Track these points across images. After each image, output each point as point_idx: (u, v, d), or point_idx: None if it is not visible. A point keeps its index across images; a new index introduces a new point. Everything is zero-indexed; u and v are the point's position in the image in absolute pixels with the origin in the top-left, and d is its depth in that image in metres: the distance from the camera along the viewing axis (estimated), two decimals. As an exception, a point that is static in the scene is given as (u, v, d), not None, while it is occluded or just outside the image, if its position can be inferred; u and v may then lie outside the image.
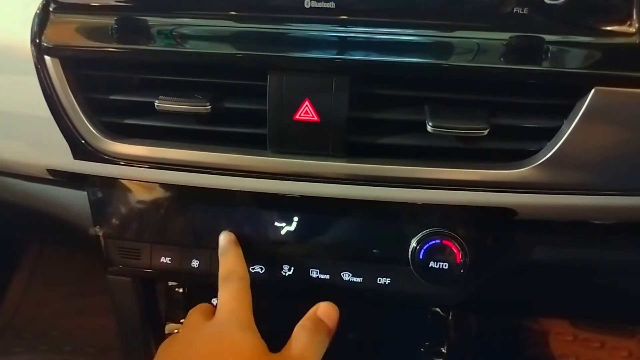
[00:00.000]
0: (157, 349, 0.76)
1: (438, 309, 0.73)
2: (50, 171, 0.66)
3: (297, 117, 0.56)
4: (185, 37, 0.56)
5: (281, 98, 0.55)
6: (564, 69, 0.52)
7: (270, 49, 0.55)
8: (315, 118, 0.56)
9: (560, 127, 0.54)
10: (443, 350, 0.73)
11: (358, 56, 0.53)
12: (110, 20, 0.56)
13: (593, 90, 0.51)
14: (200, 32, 0.56)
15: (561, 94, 0.53)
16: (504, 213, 0.60)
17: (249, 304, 0.56)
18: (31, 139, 0.64)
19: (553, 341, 1.10)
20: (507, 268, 0.66)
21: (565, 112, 0.54)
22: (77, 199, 0.69)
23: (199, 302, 0.76)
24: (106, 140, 0.60)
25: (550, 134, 0.55)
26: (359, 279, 0.64)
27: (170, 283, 0.76)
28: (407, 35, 0.53)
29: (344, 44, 0.54)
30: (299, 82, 0.55)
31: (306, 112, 0.56)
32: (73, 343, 1.18)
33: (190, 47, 0.56)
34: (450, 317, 0.73)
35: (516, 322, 1.11)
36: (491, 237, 0.63)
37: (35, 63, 0.58)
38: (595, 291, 0.74)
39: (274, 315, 0.78)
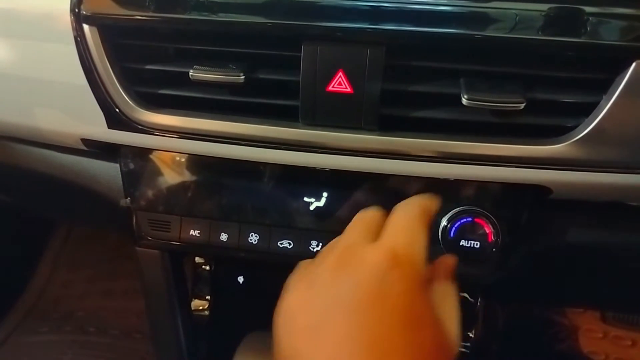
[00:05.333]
0: (183, 324, 0.76)
1: (466, 294, 0.72)
2: (84, 141, 0.66)
3: (330, 88, 0.56)
4: (221, 7, 0.56)
5: (315, 69, 0.55)
6: (603, 42, 0.51)
7: (305, 18, 0.54)
8: (349, 89, 0.55)
9: (598, 102, 0.53)
10: (470, 335, 0.72)
11: (393, 26, 0.53)
12: (148, -11, 0.56)
13: (634, 64, 0.50)
14: (235, 1, 0.56)
15: (600, 68, 0.52)
16: (539, 191, 0.59)
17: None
18: (67, 107, 0.65)
19: (583, 337, 1.08)
20: (540, 249, 0.65)
21: (605, 86, 0.52)
22: (109, 171, 0.70)
23: (224, 280, 0.77)
24: (140, 110, 0.61)
25: (588, 109, 0.53)
26: (387, 257, 0.63)
27: (196, 260, 0.76)
28: (443, 6, 0.53)
29: (380, 14, 0.54)
30: (333, 52, 0.54)
31: (339, 83, 0.55)
32: (97, 324, 1.19)
33: (225, 16, 0.56)
34: (478, 303, 0.72)
35: (545, 317, 1.09)
36: (525, 217, 0.61)
37: (73, 32, 0.59)
38: (631, 279, 0.72)
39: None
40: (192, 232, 0.66)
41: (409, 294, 0.40)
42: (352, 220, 0.48)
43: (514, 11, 0.52)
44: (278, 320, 0.43)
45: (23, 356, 1.15)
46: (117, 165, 0.69)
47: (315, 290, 0.42)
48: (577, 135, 0.54)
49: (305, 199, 0.64)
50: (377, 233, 0.45)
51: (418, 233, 0.44)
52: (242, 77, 0.56)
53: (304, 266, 0.48)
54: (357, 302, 0.39)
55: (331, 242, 0.48)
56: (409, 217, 0.46)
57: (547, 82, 0.54)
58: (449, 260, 0.51)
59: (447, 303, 0.45)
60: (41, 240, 1.34)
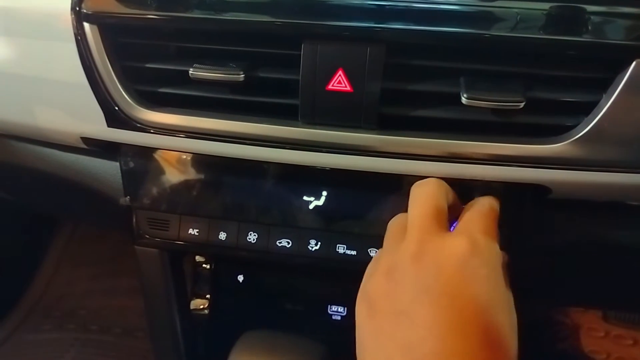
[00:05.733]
0: (182, 323, 0.77)
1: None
2: (84, 139, 0.66)
3: (329, 87, 0.55)
4: (221, 5, 0.57)
5: (314, 67, 0.55)
6: (603, 40, 0.51)
7: (305, 17, 0.54)
8: (348, 88, 0.55)
9: (598, 101, 0.53)
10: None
11: (394, 25, 0.53)
12: (148, -12, 0.56)
13: (634, 63, 0.50)
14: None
15: (601, 67, 0.52)
16: (538, 191, 0.59)
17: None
18: (66, 106, 0.65)
19: (584, 336, 1.07)
20: (540, 249, 0.65)
21: (605, 85, 0.52)
22: (109, 169, 0.70)
23: (225, 279, 0.77)
24: (140, 108, 0.61)
25: (588, 108, 0.53)
26: (386, 256, 0.63)
27: (197, 259, 0.76)
28: (444, 4, 0.53)
29: (380, 13, 0.54)
30: (333, 51, 0.54)
31: (339, 82, 0.55)
32: (100, 323, 1.20)
33: (225, 15, 0.56)
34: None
35: (546, 316, 1.08)
36: (523, 216, 0.61)
37: (74, 30, 0.59)
38: (631, 278, 0.72)
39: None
40: (191, 230, 0.66)
41: (490, 280, 0.43)
42: (417, 203, 0.49)
43: (514, 10, 0.51)
44: (360, 305, 0.46)
45: (25, 354, 1.15)
46: (117, 163, 0.69)
47: (396, 277, 0.44)
48: (577, 135, 0.53)
49: (305, 197, 0.64)
50: (446, 223, 0.48)
51: (493, 226, 0.47)
52: (242, 75, 0.56)
53: (378, 254, 0.51)
54: (442, 288, 0.42)
55: (395, 222, 0.51)
56: (482, 211, 0.49)
57: (547, 81, 0.54)
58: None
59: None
60: (45, 239, 1.35)
